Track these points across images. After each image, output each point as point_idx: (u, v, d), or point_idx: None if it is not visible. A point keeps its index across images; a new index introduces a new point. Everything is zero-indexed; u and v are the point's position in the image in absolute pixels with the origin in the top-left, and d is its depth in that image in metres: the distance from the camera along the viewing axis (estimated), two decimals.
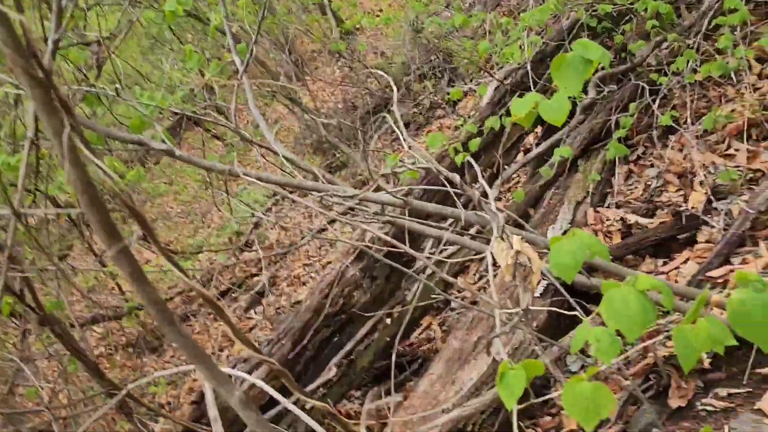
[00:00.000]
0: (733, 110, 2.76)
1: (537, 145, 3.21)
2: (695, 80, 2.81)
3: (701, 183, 2.63)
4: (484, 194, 1.55)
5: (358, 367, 2.92)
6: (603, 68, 3.16)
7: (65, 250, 5.43)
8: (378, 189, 2.37)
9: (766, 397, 1.91)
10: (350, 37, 8.21)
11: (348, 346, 2.92)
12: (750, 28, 2.80)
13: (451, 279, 1.96)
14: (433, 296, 3.14)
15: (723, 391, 2.01)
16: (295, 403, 1.27)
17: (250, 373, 2.88)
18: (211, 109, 3.01)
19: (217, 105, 2.88)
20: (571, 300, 1.55)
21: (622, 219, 2.73)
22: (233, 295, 6.44)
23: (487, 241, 1.36)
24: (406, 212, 1.99)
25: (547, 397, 1.35)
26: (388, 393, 3.00)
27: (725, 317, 0.84)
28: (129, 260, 0.74)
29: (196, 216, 8.47)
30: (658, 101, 2.89)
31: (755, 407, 1.91)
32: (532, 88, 2.97)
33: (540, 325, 2.44)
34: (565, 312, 1.50)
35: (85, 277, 5.90)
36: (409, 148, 1.99)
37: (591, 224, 2.78)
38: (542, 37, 3.13)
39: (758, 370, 2.00)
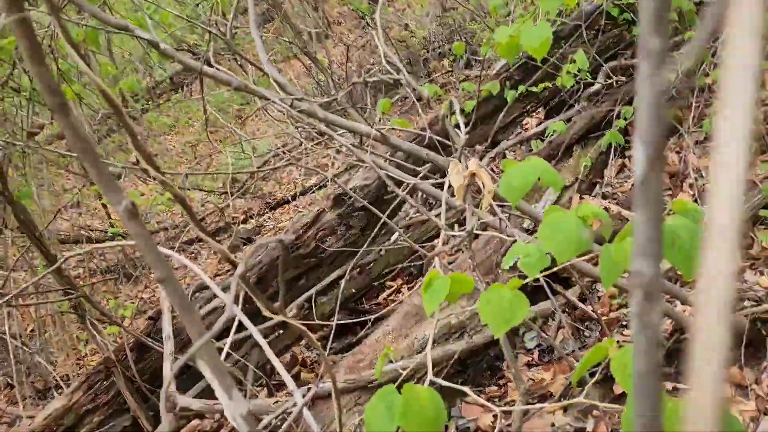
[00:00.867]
0: None
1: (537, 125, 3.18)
2: (705, 84, 2.76)
3: (690, 185, 2.59)
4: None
5: (319, 313, 2.91)
6: (616, 58, 3.12)
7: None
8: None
9: None
10: (375, 5, 8.11)
11: (312, 291, 2.91)
12: None
13: (415, 246, 1.94)
14: (406, 261, 3.13)
15: (669, 385, 1.99)
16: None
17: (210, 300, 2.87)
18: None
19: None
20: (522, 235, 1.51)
21: (606, 209, 2.70)
22: (217, 238, 6.44)
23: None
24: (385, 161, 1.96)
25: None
26: (349, 348, 3.00)
27: None
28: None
29: (197, 157, 8.44)
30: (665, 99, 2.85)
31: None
32: (540, 66, 2.94)
33: None
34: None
35: (71, 195, 5.88)
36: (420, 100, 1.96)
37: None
38: (561, 18, 3.08)
39: None
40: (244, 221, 6.64)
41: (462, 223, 1.40)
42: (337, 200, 2.85)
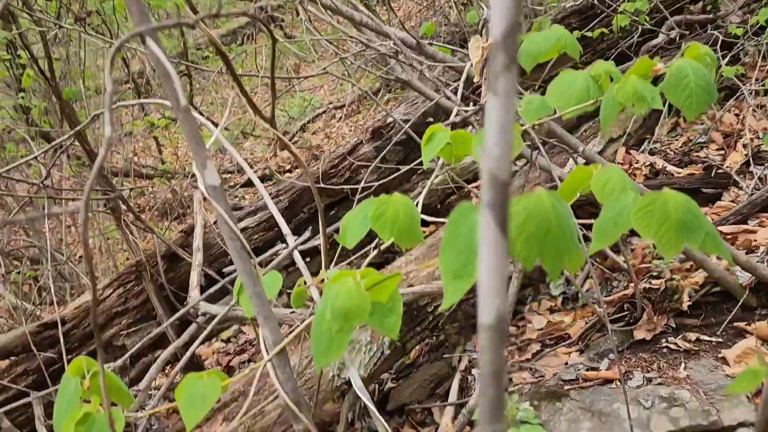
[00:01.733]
0: None
1: None
2: None
3: (744, 145, 2.46)
4: None
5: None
6: (682, 12, 2.97)
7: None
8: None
9: (735, 347, 1.81)
10: None
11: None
12: None
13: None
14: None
15: (692, 336, 1.91)
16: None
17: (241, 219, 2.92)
18: None
19: None
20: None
21: (651, 164, 2.60)
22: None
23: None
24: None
25: None
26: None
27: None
28: None
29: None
30: (729, 57, 2.70)
31: (720, 355, 1.82)
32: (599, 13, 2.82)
33: None
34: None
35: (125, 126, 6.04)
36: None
37: (619, 162, 2.66)
38: None
39: (736, 324, 1.89)
40: (290, 171, 6.72)
41: None
42: (376, 133, 2.84)
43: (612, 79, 0.88)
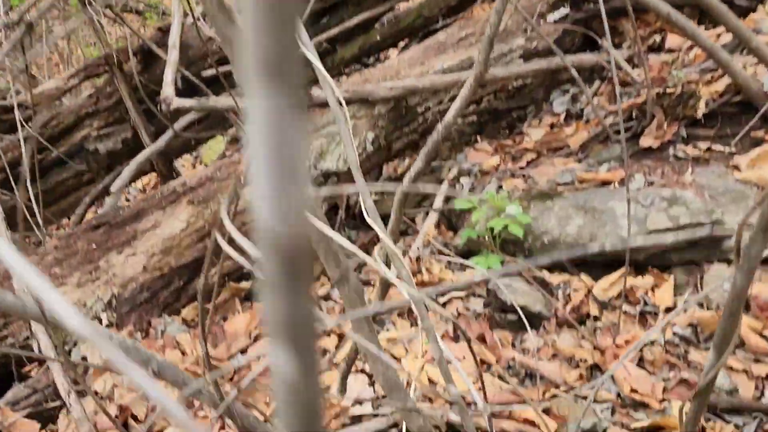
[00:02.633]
0: None
1: None
2: None
3: None
4: None
5: (338, 57, 2.68)
6: None
7: None
8: None
9: (750, 154, 1.65)
10: None
11: (334, 31, 2.66)
12: None
13: None
14: None
15: (704, 145, 1.75)
16: None
17: None
18: None
19: None
20: None
21: None
22: None
23: None
24: None
25: None
26: None
27: None
28: None
29: None
30: None
31: (731, 163, 1.67)
32: None
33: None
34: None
35: None
36: None
37: None
38: None
39: (753, 134, 1.72)
40: None
41: None
42: None
43: None
